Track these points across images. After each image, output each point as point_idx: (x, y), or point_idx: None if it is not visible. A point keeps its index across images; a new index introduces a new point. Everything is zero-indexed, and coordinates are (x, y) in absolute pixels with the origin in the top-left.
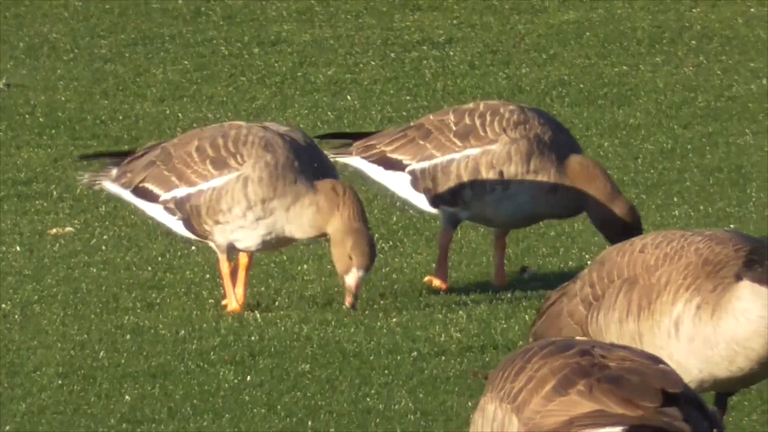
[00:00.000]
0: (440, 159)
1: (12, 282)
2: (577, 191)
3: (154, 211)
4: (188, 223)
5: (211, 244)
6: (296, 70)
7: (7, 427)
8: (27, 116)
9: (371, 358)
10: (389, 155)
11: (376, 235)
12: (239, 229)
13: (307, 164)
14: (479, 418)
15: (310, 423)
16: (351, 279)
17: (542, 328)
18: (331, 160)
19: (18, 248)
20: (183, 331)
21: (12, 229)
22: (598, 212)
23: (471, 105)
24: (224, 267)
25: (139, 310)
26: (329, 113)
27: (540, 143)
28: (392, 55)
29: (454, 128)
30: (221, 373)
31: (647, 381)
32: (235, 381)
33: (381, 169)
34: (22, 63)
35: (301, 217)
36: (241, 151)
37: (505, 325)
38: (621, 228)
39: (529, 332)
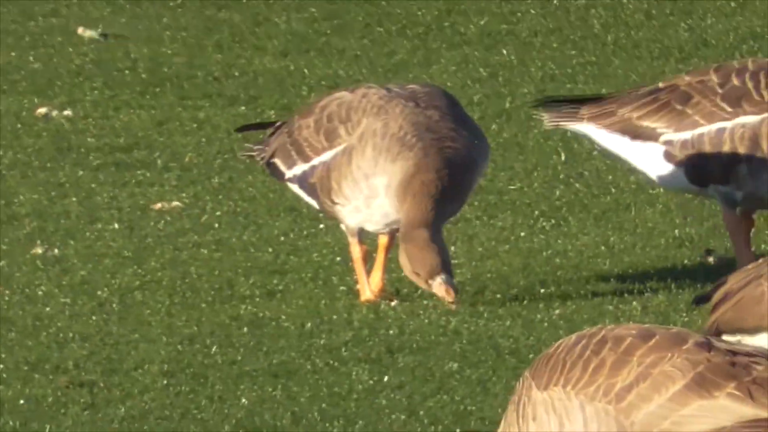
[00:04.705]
0: (706, 128)
1: (110, 265)
2: None
3: (295, 189)
4: (317, 204)
5: (341, 225)
6: (443, 20)
7: None
8: (127, 72)
9: (530, 356)
10: (637, 122)
11: (536, 212)
12: (356, 212)
13: (424, 137)
14: (544, 415)
15: (458, 431)
16: (435, 288)
17: (732, 314)
18: (550, 127)
19: (117, 226)
20: (309, 324)
21: (110, 204)
22: None
23: (735, 63)
24: (355, 251)
25: (258, 299)
26: (481, 70)
27: None
28: (555, 2)
29: (720, 91)
30: (354, 373)
31: None
32: (371, 382)
33: (626, 139)
34: (121, 9)
35: (396, 198)
36: (353, 118)
37: (686, 318)
38: None
39: (711, 320)
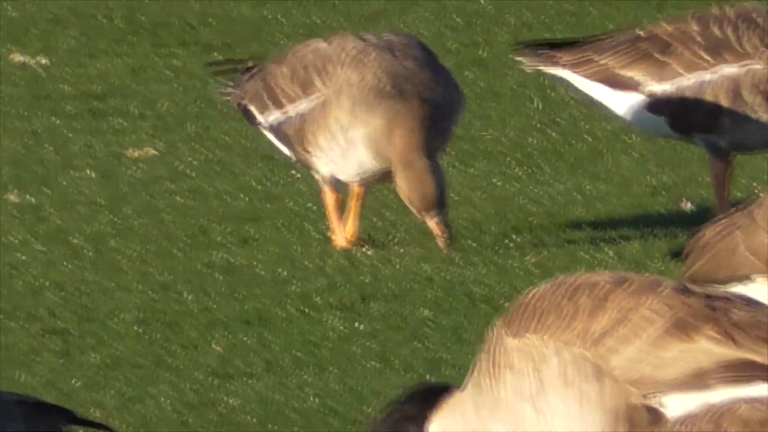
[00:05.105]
0: (688, 78)
1: (84, 212)
2: None
3: (269, 136)
4: (290, 152)
5: (315, 174)
6: None
7: (78, 382)
8: (102, 20)
9: (503, 303)
10: (618, 72)
11: (510, 160)
12: (330, 162)
13: (402, 87)
14: (520, 363)
15: (430, 378)
16: (429, 222)
17: (709, 266)
18: (530, 70)
19: (91, 173)
20: (283, 270)
21: (84, 151)
22: None
23: (714, 11)
24: (329, 199)
25: (232, 246)
26: (457, 18)
27: None
28: None
29: (700, 40)
30: (327, 320)
31: None
32: (343, 329)
33: (606, 88)
34: None
35: (375, 149)
36: (328, 69)
37: (662, 267)
38: None
39: (687, 272)
